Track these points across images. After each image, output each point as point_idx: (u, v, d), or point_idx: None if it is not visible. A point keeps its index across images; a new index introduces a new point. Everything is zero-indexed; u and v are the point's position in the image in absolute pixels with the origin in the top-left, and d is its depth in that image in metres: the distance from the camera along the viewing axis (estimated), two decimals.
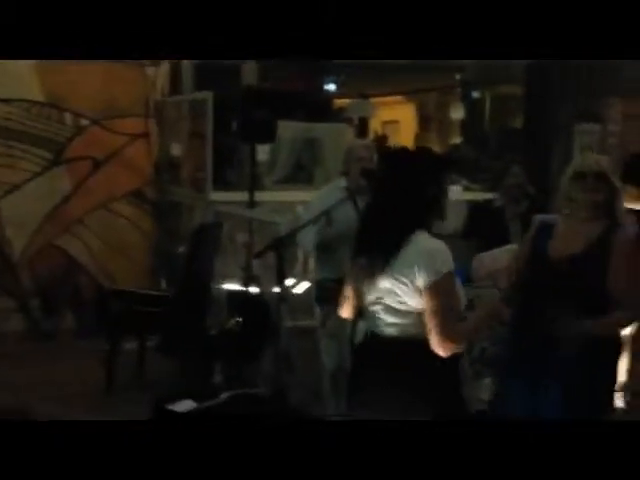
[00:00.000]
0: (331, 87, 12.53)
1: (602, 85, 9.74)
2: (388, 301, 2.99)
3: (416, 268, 2.90)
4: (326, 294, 4.81)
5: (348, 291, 3.18)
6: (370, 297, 3.04)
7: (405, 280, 2.94)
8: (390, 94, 16.31)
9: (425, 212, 3.02)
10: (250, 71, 9.58)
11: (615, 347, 3.53)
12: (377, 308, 3.04)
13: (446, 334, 2.90)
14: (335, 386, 4.91)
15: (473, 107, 12.85)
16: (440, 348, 2.92)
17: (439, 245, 2.98)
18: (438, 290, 2.90)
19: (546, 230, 3.65)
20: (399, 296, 2.97)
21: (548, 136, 9.12)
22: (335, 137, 9.05)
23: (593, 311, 3.35)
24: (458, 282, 3.07)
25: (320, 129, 9.28)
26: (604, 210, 3.53)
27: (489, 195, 6.40)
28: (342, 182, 5.04)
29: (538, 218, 3.80)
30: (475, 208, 5.78)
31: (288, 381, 4.55)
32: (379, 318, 3.04)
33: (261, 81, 9.33)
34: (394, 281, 2.96)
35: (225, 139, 7.71)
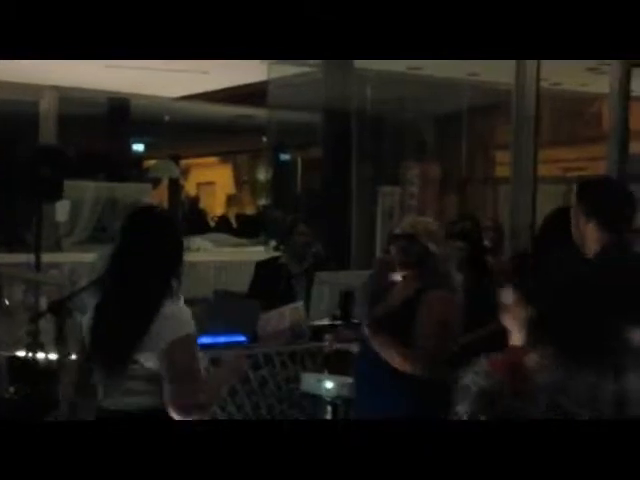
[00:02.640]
0: (139, 148, 12.39)
1: (401, 149, 10.20)
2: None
3: (156, 334, 2.75)
4: None
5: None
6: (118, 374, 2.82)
7: (147, 346, 2.77)
8: (201, 156, 16.35)
9: (166, 279, 2.85)
10: (49, 129, 9.32)
11: None
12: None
13: (180, 399, 2.73)
14: None
15: (283, 169, 13.08)
16: (177, 413, 2.74)
17: (176, 309, 2.83)
18: (174, 353, 2.74)
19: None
20: (139, 363, 2.79)
21: (350, 197, 9.39)
22: (138, 197, 8.91)
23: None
24: (196, 345, 2.89)
25: (122, 189, 9.13)
26: (418, 271, 3.63)
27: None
28: None
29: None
30: (260, 266, 5.75)
31: None
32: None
33: (61, 139, 9.09)
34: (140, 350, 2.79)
35: (18, 198, 7.41)
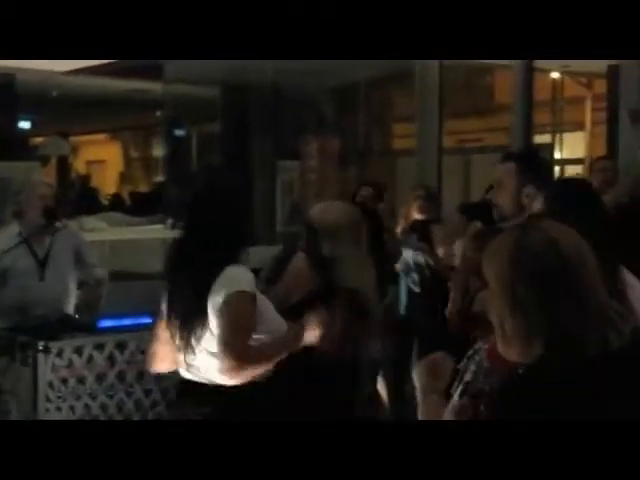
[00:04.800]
0: (26, 125, 11.86)
1: (300, 122, 10.09)
2: (210, 346, 2.69)
3: (217, 298, 2.66)
4: (3, 345, 4.39)
5: (161, 343, 2.84)
6: (192, 346, 2.73)
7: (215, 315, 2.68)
8: (91, 132, 15.83)
9: (231, 246, 2.79)
10: None
11: None
12: (200, 356, 2.73)
13: (233, 356, 2.57)
14: None
15: (178, 145, 12.77)
16: (227, 373, 2.60)
17: (236, 269, 2.72)
18: (227, 309, 2.63)
19: None
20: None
21: (249, 172, 9.25)
22: (26, 176, 8.48)
23: None
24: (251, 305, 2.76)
25: (9, 168, 8.67)
26: None
27: None
28: (15, 227, 4.60)
29: None
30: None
31: None
32: (201, 366, 2.73)
33: None
34: (209, 322, 2.69)
35: None
